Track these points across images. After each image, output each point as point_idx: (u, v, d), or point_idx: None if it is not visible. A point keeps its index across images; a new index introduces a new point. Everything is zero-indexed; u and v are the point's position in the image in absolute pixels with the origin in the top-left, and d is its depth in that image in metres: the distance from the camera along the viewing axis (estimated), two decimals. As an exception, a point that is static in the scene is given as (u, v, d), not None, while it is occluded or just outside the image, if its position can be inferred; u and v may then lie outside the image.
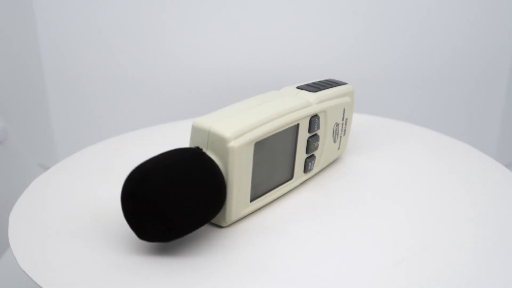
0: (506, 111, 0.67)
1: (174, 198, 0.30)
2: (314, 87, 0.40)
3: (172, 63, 0.65)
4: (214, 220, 0.34)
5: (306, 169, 0.40)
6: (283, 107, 0.36)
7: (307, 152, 0.39)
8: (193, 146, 0.33)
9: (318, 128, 0.39)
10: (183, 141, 0.34)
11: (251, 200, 0.35)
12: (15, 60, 0.63)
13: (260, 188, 0.36)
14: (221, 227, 0.35)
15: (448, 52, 0.64)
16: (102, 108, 0.67)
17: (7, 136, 0.61)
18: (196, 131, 0.33)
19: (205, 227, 0.34)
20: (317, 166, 0.41)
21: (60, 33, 0.64)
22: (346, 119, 0.43)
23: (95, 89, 0.67)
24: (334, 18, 0.63)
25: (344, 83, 0.43)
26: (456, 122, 0.68)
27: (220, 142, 0.32)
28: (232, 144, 0.32)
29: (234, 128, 0.32)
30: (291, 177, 0.39)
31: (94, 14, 0.63)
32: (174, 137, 0.48)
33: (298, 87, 0.40)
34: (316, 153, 0.40)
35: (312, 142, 0.39)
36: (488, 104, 0.67)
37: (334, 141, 0.42)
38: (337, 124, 0.42)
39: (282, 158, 0.37)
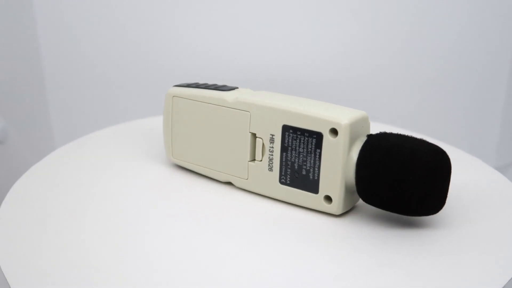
0: (506, 112, 0.67)
1: None
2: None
3: (165, 60, 0.65)
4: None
5: None
6: None
7: None
8: (355, 138, 0.35)
9: None
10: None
11: None
12: (15, 60, 0.63)
13: None
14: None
15: (448, 53, 0.64)
16: (103, 109, 0.68)
17: (7, 136, 0.61)
18: (354, 125, 0.35)
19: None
20: None
21: (60, 33, 0.64)
22: None
23: (95, 89, 0.67)
24: (332, 18, 0.63)
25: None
26: (456, 122, 0.68)
27: (366, 122, 0.36)
28: None
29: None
30: None
31: (95, 14, 0.63)
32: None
33: (235, 87, 0.41)
34: None
35: None
36: (488, 105, 0.67)
37: None
38: None
39: None
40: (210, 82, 0.66)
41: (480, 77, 0.66)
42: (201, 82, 0.43)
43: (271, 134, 0.37)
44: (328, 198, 0.36)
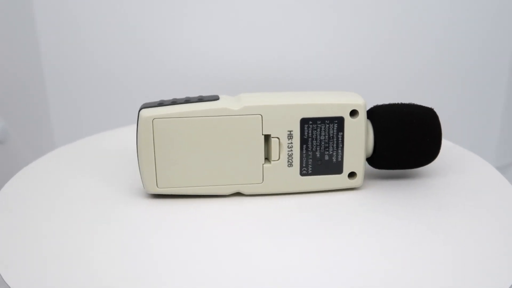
0: (506, 111, 0.67)
1: None
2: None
3: (167, 61, 0.65)
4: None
5: None
6: None
7: None
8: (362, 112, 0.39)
9: None
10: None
11: None
12: (15, 60, 0.63)
13: None
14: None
15: (448, 52, 0.64)
16: (103, 108, 0.67)
17: (7, 136, 0.61)
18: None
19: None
20: None
21: (60, 33, 0.64)
22: None
23: (96, 89, 0.67)
24: (330, 16, 0.63)
25: None
26: (456, 122, 0.68)
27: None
28: None
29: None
30: None
31: (95, 14, 0.63)
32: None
33: (216, 96, 0.39)
34: None
35: None
36: (488, 105, 0.67)
37: None
38: None
39: None
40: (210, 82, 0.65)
41: (480, 77, 0.66)
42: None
43: (288, 131, 0.38)
44: (352, 175, 0.39)
